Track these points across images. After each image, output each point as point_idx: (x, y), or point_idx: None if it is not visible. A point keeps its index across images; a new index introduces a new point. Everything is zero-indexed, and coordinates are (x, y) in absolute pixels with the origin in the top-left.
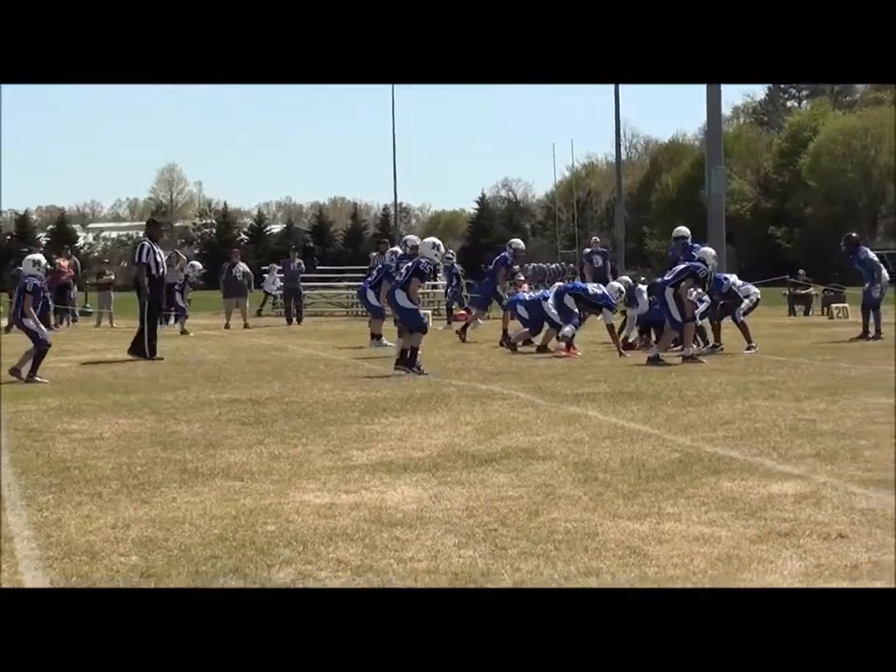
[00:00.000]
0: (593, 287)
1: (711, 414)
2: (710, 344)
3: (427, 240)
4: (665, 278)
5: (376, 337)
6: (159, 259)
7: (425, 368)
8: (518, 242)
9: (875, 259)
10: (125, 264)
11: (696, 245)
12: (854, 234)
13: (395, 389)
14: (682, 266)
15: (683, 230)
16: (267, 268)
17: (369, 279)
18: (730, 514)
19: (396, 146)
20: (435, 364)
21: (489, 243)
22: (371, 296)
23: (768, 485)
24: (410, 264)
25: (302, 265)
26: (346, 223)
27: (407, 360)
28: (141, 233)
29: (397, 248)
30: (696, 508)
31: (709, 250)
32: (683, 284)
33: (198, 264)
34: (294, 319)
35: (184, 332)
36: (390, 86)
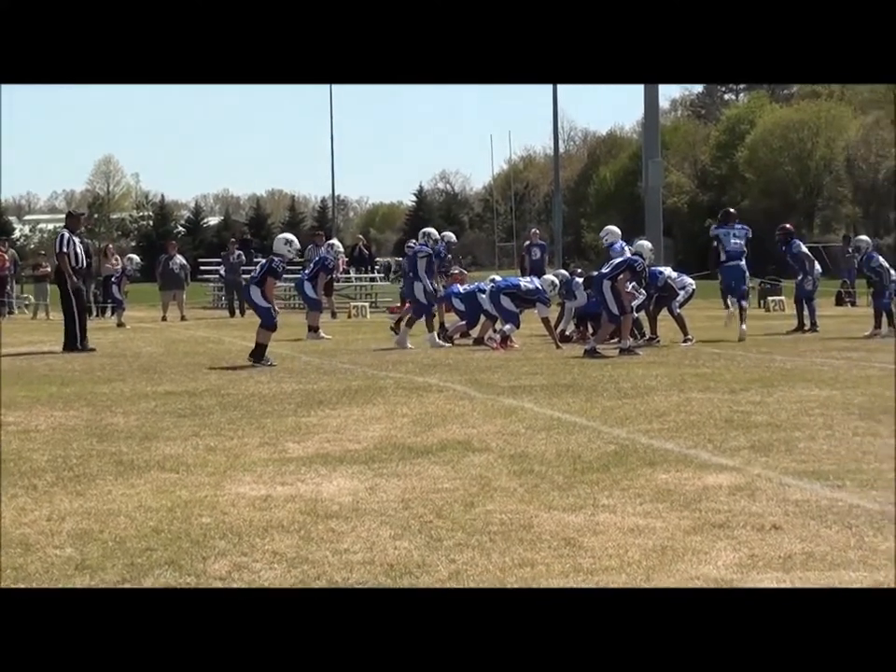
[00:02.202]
0: (525, 283)
1: (647, 406)
2: (647, 337)
3: (280, 236)
4: (603, 271)
5: (313, 329)
6: (78, 250)
7: (274, 360)
8: (450, 235)
9: (807, 251)
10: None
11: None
12: (788, 226)
13: (331, 382)
14: (620, 259)
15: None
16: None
17: (306, 271)
18: (665, 506)
19: (334, 138)
20: (372, 356)
21: None
22: (308, 288)
23: (703, 477)
24: (264, 262)
25: (242, 257)
26: (284, 215)
27: (256, 354)
28: None
29: (334, 241)
30: (631, 499)
31: (646, 243)
32: (621, 277)
33: (135, 257)
34: (237, 311)
35: (121, 325)
36: None
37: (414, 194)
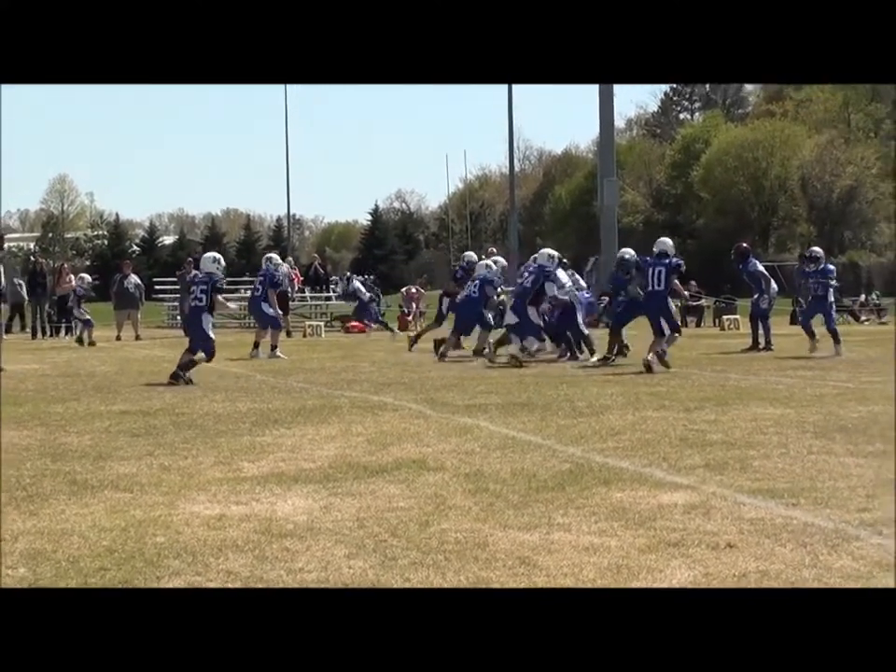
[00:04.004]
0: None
1: (602, 425)
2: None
3: (206, 255)
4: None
5: (273, 347)
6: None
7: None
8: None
9: (763, 270)
10: None
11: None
12: (744, 245)
13: (286, 401)
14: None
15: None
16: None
17: (257, 292)
18: (620, 524)
19: (289, 156)
20: (327, 375)
21: (383, 255)
22: (265, 307)
23: (658, 495)
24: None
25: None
26: (239, 234)
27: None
28: (32, 245)
29: (271, 255)
30: (586, 518)
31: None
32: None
33: (87, 276)
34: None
35: (92, 343)
36: (283, 97)
37: (370, 213)
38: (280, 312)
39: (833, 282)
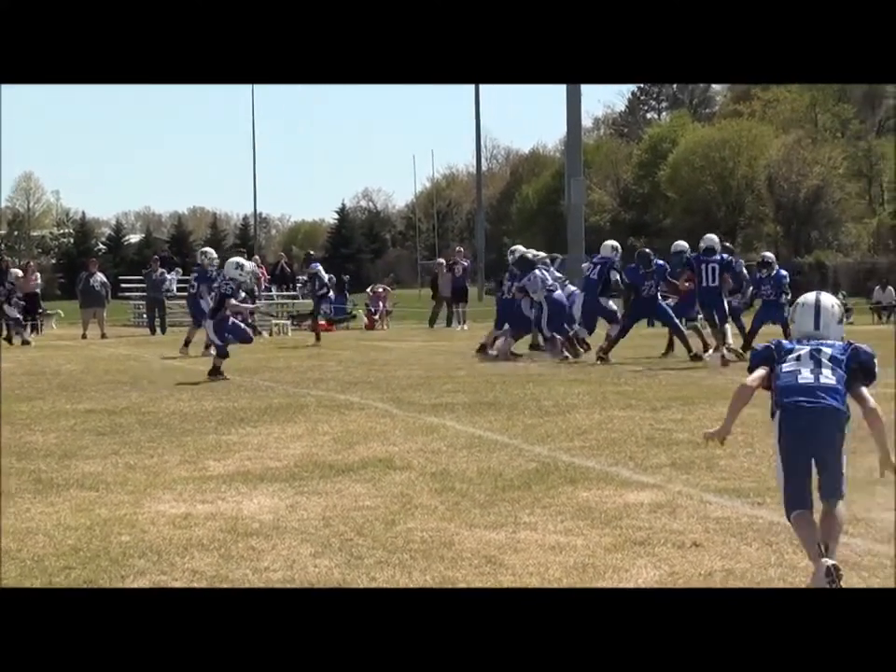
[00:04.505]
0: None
1: (568, 424)
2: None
3: (231, 260)
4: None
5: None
6: None
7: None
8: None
9: (743, 271)
10: None
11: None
12: (647, 251)
13: (252, 399)
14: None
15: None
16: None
17: (193, 288)
18: (586, 523)
19: (256, 155)
20: (293, 374)
21: (349, 253)
22: (203, 304)
23: (624, 494)
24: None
25: (165, 274)
26: (206, 233)
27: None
28: None
29: (206, 248)
30: (552, 517)
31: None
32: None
33: (17, 271)
34: (157, 329)
35: (25, 342)
36: (250, 96)
37: (337, 212)
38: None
39: (787, 293)
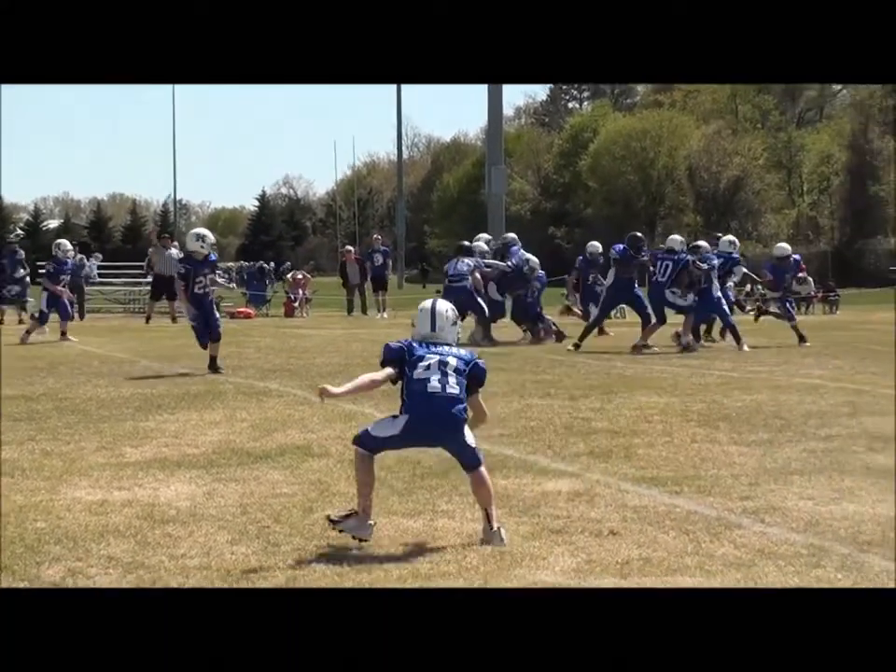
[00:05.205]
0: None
1: (488, 412)
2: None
3: (191, 232)
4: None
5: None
6: None
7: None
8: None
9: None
10: None
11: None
12: (639, 234)
13: (170, 386)
14: None
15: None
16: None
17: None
18: (504, 511)
19: (176, 141)
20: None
21: (269, 240)
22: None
23: (542, 483)
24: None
25: (84, 260)
26: (125, 219)
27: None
28: None
29: (60, 240)
30: (470, 505)
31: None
32: None
33: None
34: (76, 315)
35: None
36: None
37: (257, 199)
38: (67, 299)
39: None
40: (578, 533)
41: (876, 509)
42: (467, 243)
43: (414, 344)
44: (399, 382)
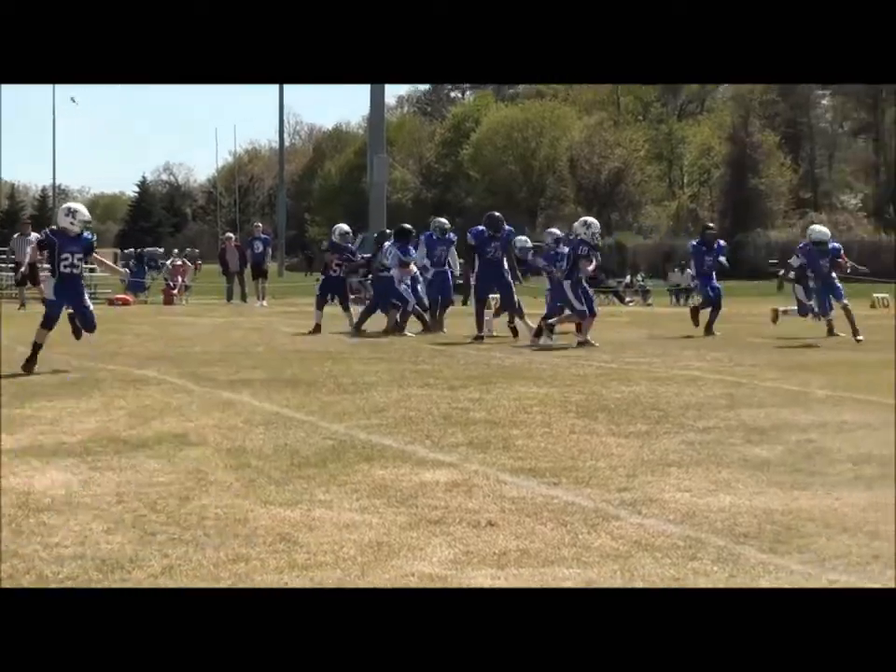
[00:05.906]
0: None
1: (366, 402)
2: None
3: (62, 206)
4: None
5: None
6: None
7: None
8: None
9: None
10: None
11: None
12: (497, 214)
13: (47, 373)
14: None
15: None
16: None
17: None
18: (381, 501)
19: (55, 126)
20: (89, 347)
21: (149, 227)
22: None
23: (420, 473)
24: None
25: None
26: (3, 204)
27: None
28: None
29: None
30: (348, 495)
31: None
32: None
33: None
34: None
35: None
36: None
37: (137, 185)
38: None
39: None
40: (456, 524)
41: (753, 501)
42: (407, 226)
43: None
44: None
